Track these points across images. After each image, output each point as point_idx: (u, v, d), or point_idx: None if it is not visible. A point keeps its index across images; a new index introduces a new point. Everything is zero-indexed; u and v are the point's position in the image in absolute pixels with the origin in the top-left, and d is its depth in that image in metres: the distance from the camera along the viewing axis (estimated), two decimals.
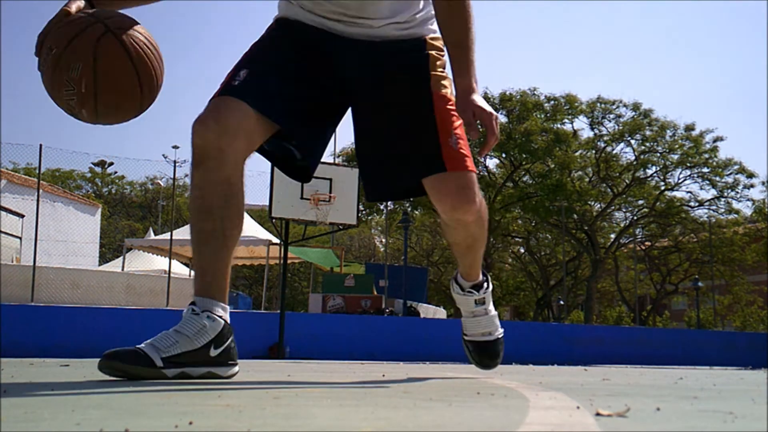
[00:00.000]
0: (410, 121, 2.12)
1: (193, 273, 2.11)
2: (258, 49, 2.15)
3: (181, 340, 1.90)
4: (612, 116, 25.47)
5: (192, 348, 1.90)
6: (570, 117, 25.26)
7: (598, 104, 25.30)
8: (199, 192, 1.98)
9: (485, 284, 2.41)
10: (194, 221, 2.01)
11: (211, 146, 1.94)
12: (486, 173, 25.28)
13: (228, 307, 2.03)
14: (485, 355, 2.45)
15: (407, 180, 2.15)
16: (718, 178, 25.17)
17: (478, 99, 1.99)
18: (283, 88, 2.06)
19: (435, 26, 2.18)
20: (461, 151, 2.09)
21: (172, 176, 16.09)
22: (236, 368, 2.04)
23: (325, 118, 2.20)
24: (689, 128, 25.10)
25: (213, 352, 1.94)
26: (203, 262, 1.99)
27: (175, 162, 13.89)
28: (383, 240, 30.32)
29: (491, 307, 2.45)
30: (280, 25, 2.20)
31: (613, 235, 28.13)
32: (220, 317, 1.97)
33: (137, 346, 1.88)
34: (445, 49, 2.14)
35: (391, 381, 2.11)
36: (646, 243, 27.62)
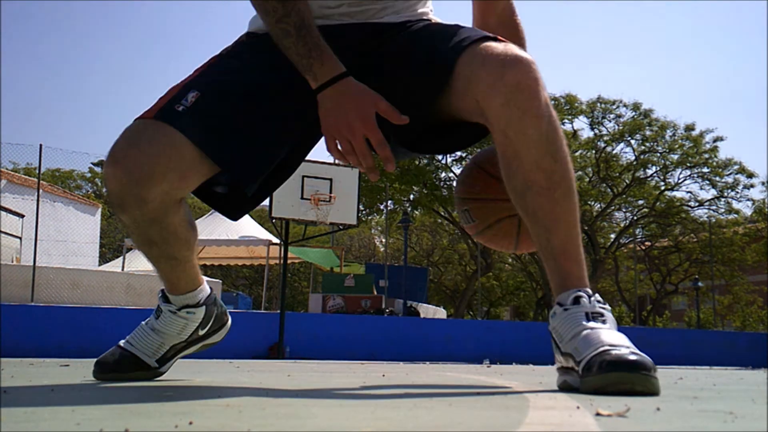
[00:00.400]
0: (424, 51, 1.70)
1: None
2: (219, 66, 1.76)
3: (167, 339, 1.94)
4: (612, 116, 25.50)
5: (179, 341, 1.97)
6: (570, 117, 25.27)
7: (598, 104, 25.32)
8: (133, 229, 1.74)
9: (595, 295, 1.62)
10: (138, 247, 1.84)
11: (128, 194, 1.60)
12: None
13: (203, 280, 1.99)
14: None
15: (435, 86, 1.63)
16: (718, 178, 25.18)
17: None
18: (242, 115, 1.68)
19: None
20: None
21: None
22: (228, 324, 2.08)
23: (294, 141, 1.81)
24: (689, 128, 25.12)
25: (201, 332, 1.99)
26: (163, 272, 1.90)
27: None
28: (383, 240, 30.33)
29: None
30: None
31: (613, 235, 28.15)
32: (198, 302, 1.96)
33: (122, 346, 1.93)
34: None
35: (391, 381, 2.11)
36: (646, 243, 27.63)
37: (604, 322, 1.53)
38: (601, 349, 1.42)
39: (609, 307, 1.59)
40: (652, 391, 1.35)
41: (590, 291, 1.59)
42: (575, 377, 1.48)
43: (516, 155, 1.58)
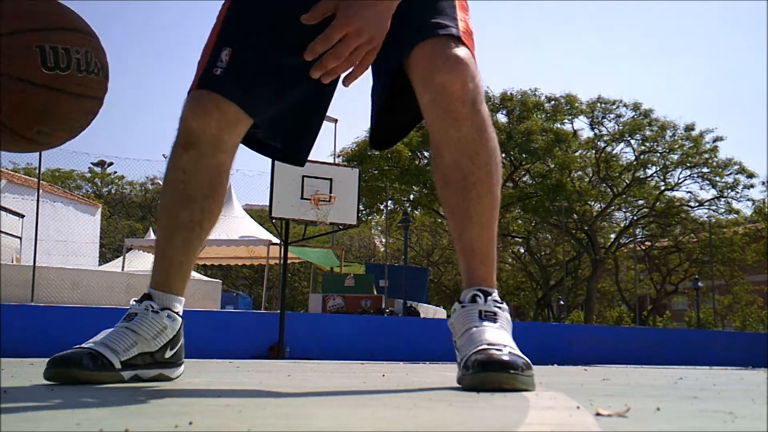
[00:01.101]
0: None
1: (155, 260, 1.87)
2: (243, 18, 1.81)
3: (140, 341, 1.75)
4: (612, 116, 25.50)
5: (149, 350, 1.77)
6: (570, 117, 25.28)
7: (598, 104, 25.32)
8: (184, 176, 1.79)
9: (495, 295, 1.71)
10: (169, 206, 1.82)
11: (212, 133, 1.74)
12: None
13: (183, 299, 1.89)
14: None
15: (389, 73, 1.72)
16: (718, 178, 25.18)
17: None
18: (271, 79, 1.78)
19: None
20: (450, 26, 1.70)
21: None
22: (182, 368, 1.91)
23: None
24: (689, 128, 25.11)
25: (168, 354, 1.81)
26: (171, 252, 1.83)
27: None
28: (383, 240, 30.33)
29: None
30: None
31: (613, 235, 28.15)
32: (177, 314, 1.84)
33: (87, 345, 1.70)
34: None
35: (391, 381, 2.11)
36: (646, 243, 27.63)
37: (494, 320, 1.63)
38: (479, 347, 1.51)
39: (506, 307, 1.70)
40: (520, 389, 1.44)
41: (490, 290, 1.69)
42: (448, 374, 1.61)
43: (439, 152, 1.73)
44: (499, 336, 1.57)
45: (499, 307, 1.67)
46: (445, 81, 1.64)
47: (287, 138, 1.92)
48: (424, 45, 1.67)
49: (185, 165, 1.78)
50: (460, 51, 1.67)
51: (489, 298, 1.67)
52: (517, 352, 1.53)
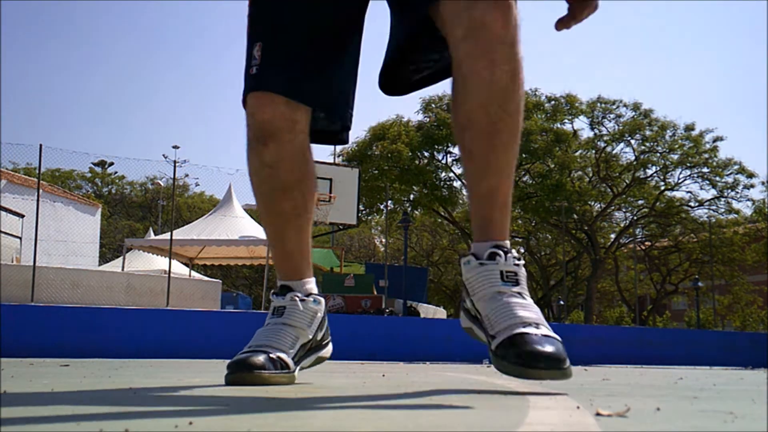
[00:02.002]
0: None
1: (272, 259, 1.88)
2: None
3: (299, 335, 1.77)
4: (612, 116, 25.49)
5: (307, 340, 1.79)
6: (570, 117, 25.27)
7: (598, 104, 25.31)
8: (271, 170, 1.75)
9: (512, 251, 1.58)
10: (270, 203, 1.80)
11: (284, 118, 1.71)
12: None
13: (314, 278, 1.90)
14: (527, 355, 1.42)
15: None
16: (718, 178, 25.16)
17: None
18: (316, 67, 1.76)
19: None
20: None
21: (172, 176, 16.10)
22: (330, 345, 1.93)
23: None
24: (689, 128, 25.10)
25: (319, 336, 1.84)
26: (289, 246, 1.82)
27: (175, 162, 13.87)
28: (383, 240, 30.32)
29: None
30: None
31: (613, 235, 28.15)
32: (318, 293, 1.86)
33: (260, 347, 1.71)
34: None
35: (391, 381, 2.11)
36: (646, 243, 27.62)
37: (516, 282, 1.52)
38: (516, 331, 1.42)
39: (523, 262, 1.57)
40: (564, 379, 1.41)
41: (507, 245, 1.56)
42: (483, 336, 1.53)
43: (465, 91, 1.54)
44: (530, 312, 1.46)
45: (518, 264, 1.54)
46: (486, 16, 1.48)
47: (342, 115, 1.85)
48: None
49: (269, 159, 1.74)
50: None
51: (509, 256, 1.53)
52: (551, 332, 1.45)
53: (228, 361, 1.69)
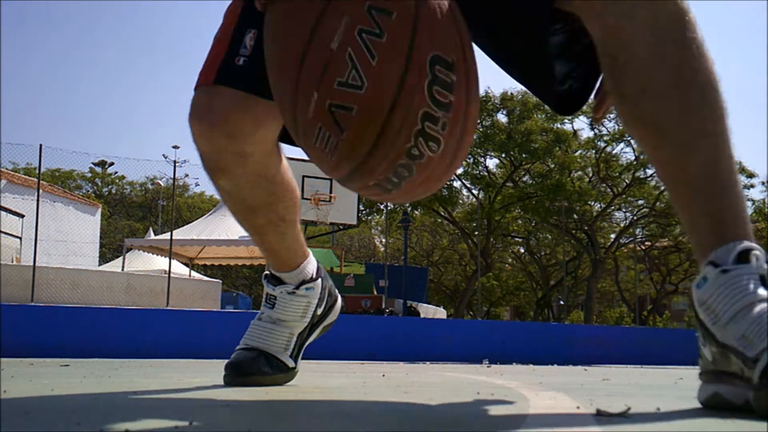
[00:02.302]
0: None
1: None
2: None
3: (293, 328, 1.74)
4: (612, 116, 25.47)
5: (303, 328, 1.76)
6: (570, 117, 25.27)
7: None
8: (231, 196, 1.58)
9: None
10: (241, 220, 1.67)
11: (227, 152, 1.44)
12: (486, 173, 25.30)
13: (309, 252, 1.80)
14: None
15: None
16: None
17: None
18: None
19: None
20: None
21: (172, 176, 16.13)
22: (339, 299, 1.89)
23: None
24: None
25: (319, 311, 1.80)
26: (272, 245, 1.70)
27: (175, 162, 13.86)
28: (383, 240, 30.32)
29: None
30: None
31: (613, 235, 28.15)
32: (312, 276, 1.77)
33: (251, 347, 1.70)
34: None
35: (391, 381, 2.11)
36: (646, 243, 27.63)
37: None
38: None
39: None
40: None
41: (756, 244, 1.05)
42: (737, 386, 0.99)
43: (621, 45, 1.10)
44: None
45: None
46: None
47: None
48: None
49: (225, 187, 1.55)
50: None
51: (758, 255, 1.03)
52: None
53: (226, 361, 1.70)
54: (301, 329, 1.76)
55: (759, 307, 0.97)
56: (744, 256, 1.02)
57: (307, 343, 1.80)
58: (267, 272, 1.79)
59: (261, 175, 1.52)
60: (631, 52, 1.08)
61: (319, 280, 1.79)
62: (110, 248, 29.43)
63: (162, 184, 32.02)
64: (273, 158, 1.53)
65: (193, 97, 1.44)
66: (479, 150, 24.43)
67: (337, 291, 1.91)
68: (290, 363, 1.72)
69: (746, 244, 1.03)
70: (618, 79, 1.12)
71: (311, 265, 1.79)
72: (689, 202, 1.09)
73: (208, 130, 1.41)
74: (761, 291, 0.98)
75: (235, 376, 1.65)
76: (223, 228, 16.33)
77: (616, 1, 1.08)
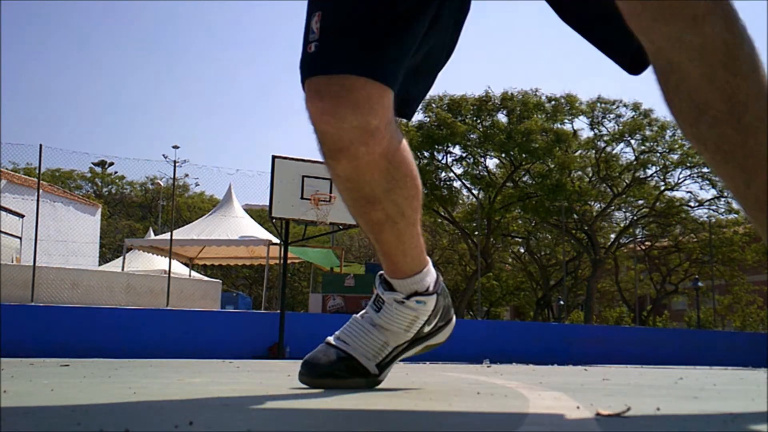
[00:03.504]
0: None
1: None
2: None
3: (391, 338, 1.63)
4: (612, 116, 25.49)
5: (403, 341, 1.64)
6: (570, 117, 25.28)
7: (598, 104, 25.32)
8: (350, 183, 1.51)
9: None
10: (357, 214, 1.58)
11: (352, 126, 1.39)
12: (486, 173, 25.30)
13: (428, 260, 1.67)
14: None
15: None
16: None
17: None
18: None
19: None
20: None
21: (172, 176, 16.13)
22: (453, 320, 1.75)
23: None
24: None
25: (426, 329, 1.66)
26: (388, 247, 1.60)
27: (175, 162, 13.88)
28: None
29: None
30: None
31: (613, 235, 28.16)
32: (427, 288, 1.63)
33: (336, 345, 1.62)
34: None
35: (391, 381, 2.11)
36: (646, 243, 27.63)
37: None
38: None
39: None
40: None
41: None
42: None
43: (672, 67, 1.11)
44: None
45: None
46: None
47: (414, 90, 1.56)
48: None
49: (344, 174, 1.49)
50: None
51: None
52: None
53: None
54: (400, 342, 1.64)
55: None
56: None
57: (402, 357, 1.67)
58: (382, 272, 1.68)
59: (383, 154, 1.46)
60: (683, 75, 1.10)
61: (435, 295, 1.65)
62: (110, 248, 29.43)
63: (162, 184, 32.02)
64: (395, 132, 1.48)
65: (307, 85, 1.41)
66: (479, 150, 24.43)
67: (453, 312, 1.76)
68: (374, 370, 1.61)
69: None
70: (671, 95, 1.14)
71: (430, 277, 1.66)
72: (756, 216, 1.11)
73: (332, 106, 1.37)
74: None
75: (308, 376, 1.59)
76: (223, 228, 16.34)
77: (663, 25, 1.08)
